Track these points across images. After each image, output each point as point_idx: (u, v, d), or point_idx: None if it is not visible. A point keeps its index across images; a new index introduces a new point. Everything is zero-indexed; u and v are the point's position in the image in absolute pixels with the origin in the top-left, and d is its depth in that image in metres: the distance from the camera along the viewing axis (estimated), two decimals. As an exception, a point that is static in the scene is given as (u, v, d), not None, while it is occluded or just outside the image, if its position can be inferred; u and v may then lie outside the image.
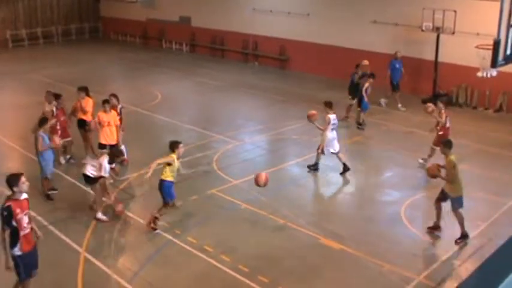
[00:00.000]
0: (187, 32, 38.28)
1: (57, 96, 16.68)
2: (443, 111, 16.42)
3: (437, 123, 16.43)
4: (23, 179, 9.29)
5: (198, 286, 10.97)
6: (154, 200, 13.74)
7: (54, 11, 42.77)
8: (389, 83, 23.85)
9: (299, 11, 31.16)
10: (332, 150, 16.34)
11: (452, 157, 12.38)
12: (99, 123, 15.84)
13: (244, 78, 30.26)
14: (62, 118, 16.61)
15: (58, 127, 16.33)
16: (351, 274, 11.40)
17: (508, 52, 11.46)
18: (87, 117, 16.99)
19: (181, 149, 12.75)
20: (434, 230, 12.96)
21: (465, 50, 22.28)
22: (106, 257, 11.74)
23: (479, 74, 20.44)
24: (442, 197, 12.71)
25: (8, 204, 9.09)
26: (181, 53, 38.39)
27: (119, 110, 16.56)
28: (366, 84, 20.59)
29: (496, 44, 11.13)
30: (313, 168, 16.63)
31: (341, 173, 16.38)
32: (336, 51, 29.49)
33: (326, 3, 30.07)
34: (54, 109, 16.35)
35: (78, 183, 15.27)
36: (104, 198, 13.50)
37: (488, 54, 11.97)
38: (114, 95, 16.71)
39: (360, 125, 21.09)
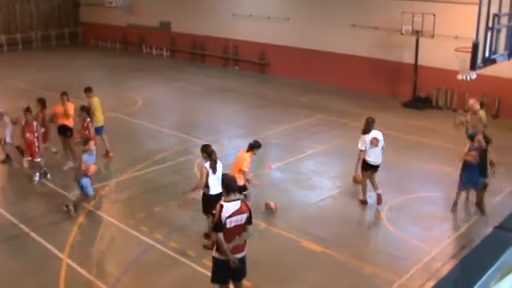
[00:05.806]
0: (167, 37, 38.25)
1: (25, 110, 15.46)
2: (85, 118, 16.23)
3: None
4: None
5: (180, 291, 10.96)
6: (135, 206, 13.75)
7: (33, 17, 42.59)
8: None
9: (278, 16, 31.27)
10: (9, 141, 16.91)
11: None
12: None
13: (225, 83, 30.28)
14: (28, 135, 15.34)
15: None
16: (332, 277, 11.40)
17: (487, 54, 11.60)
18: (69, 123, 16.73)
19: None
20: None
21: (444, 53, 22.44)
22: (88, 263, 11.65)
23: (460, 77, 20.47)
24: None
25: None
26: (162, 58, 38.35)
27: (86, 124, 16.12)
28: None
29: (475, 46, 11.27)
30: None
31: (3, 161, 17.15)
32: (316, 55, 29.62)
33: (305, 8, 30.18)
34: (23, 122, 15.20)
35: (59, 190, 15.20)
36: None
37: (468, 56, 12.07)
38: (85, 109, 16.38)
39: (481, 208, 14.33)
